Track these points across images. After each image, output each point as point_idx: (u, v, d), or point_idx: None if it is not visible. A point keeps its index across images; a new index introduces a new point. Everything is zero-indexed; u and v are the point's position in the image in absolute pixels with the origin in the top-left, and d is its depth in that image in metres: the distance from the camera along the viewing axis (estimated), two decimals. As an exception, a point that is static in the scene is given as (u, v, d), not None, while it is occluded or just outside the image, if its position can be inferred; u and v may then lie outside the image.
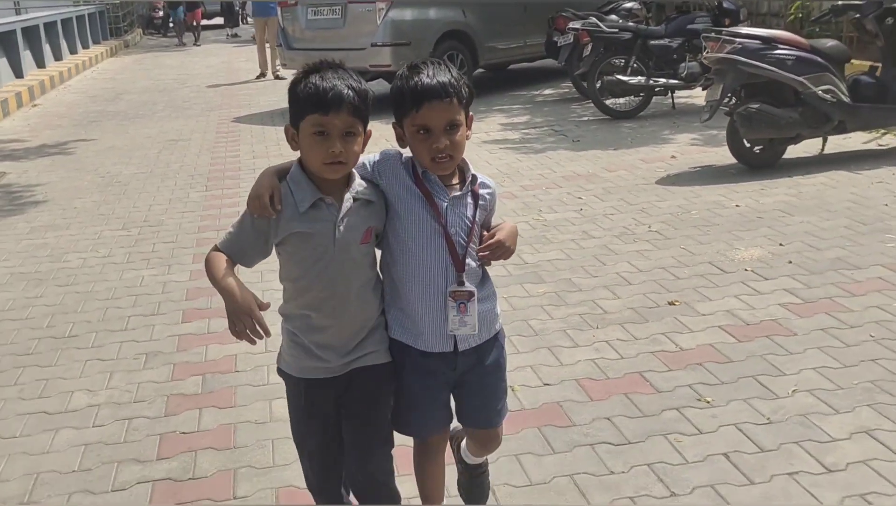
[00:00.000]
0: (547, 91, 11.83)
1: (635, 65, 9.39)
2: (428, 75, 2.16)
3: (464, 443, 2.57)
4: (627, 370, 3.61)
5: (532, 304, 4.37)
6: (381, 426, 2.31)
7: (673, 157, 7.46)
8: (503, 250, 2.27)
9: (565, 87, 11.57)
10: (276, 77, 14.88)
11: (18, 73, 14.63)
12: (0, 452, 3.23)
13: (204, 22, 25.64)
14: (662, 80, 9.32)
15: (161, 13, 27.01)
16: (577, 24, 9.66)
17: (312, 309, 2.19)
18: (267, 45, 15.28)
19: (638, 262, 4.91)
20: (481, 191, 2.29)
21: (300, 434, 2.34)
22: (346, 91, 2.09)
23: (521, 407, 3.32)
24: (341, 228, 2.17)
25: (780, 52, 6.64)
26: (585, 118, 9.60)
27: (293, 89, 2.16)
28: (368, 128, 2.19)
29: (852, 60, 8.54)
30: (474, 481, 2.64)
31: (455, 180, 2.27)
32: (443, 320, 2.24)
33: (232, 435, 3.25)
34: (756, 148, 6.90)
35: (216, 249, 2.18)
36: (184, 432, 3.30)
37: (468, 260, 2.24)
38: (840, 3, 7.38)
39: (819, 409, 3.21)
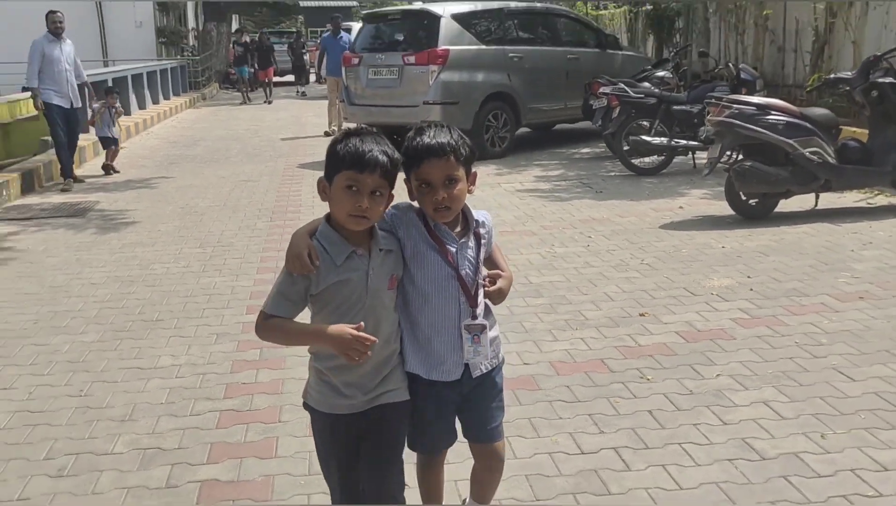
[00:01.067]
0: (584, 150, 12.85)
1: (659, 127, 10.39)
2: (429, 136, 2.44)
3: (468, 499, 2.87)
4: (592, 358, 4.56)
5: (528, 312, 5.33)
6: (399, 456, 2.56)
7: (681, 207, 8.40)
8: (501, 298, 2.54)
9: (601, 147, 12.57)
10: (343, 134, 16.14)
11: (108, 120, 16.15)
12: (106, 390, 4.31)
13: (275, 79, 27.17)
14: (683, 142, 10.28)
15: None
16: (607, 89, 10.71)
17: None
18: (338, 102, 16.60)
19: (624, 285, 5.85)
20: (481, 231, 2.58)
21: (326, 463, 2.55)
22: (380, 156, 2.34)
23: (502, 377, 4.29)
24: (372, 276, 2.41)
25: (773, 117, 7.58)
26: (613, 174, 10.58)
27: (333, 148, 2.39)
28: (393, 191, 2.44)
29: (854, 128, 9.46)
30: None
31: (459, 227, 2.55)
32: (458, 351, 2.51)
33: (281, 386, 4.28)
34: (751, 201, 7.80)
35: (267, 316, 2.40)
36: (244, 383, 4.34)
37: (479, 297, 2.53)
38: (832, 76, 8.32)
39: (733, 386, 4.12)
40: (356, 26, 18.79)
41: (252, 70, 25.78)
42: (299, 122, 18.54)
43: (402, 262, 2.50)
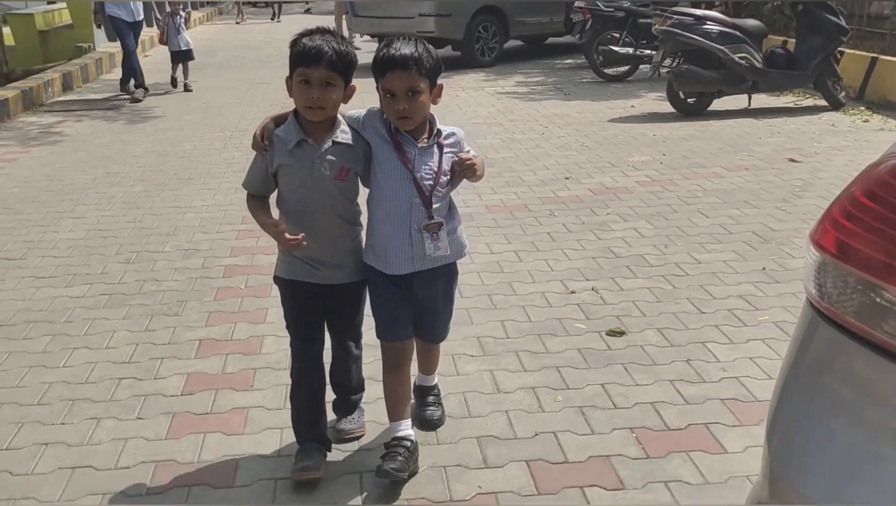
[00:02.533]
0: (567, 60, 14.08)
1: (627, 38, 11.64)
2: (395, 48, 2.61)
3: (415, 376, 3.17)
4: (518, 203, 6.00)
5: (480, 176, 6.76)
6: (356, 327, 2.97)
7: (632, 106, 9.73)
8: (472, 169, 2.75)
9: (581, 58, 13.77)
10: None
11: (133, 30, 17.45)
12: (153, 219, 5.80)
13: None
14: (648, 52, 11.51)
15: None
16: (581, 3, 11.91)
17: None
18: (344, 16, 17.75)
19: (561, 160, 7.26)
20: (446, 142, 2.75)
21: (293, 327, 2.87)
22: (326, 49, 2.59)
23: (447, 213, 5.74)
24: (318, 164, 2.66)
25: (708, 27, 8.85)
26: (585, 80, 11.87)
27: (291, 48, 2.64)
28: (352, 84, 2.70)
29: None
30: (426, 406, 3.14)
31: (425, 135, 2.73)
32: (407, 248, 2.70)
33: (282, 217, 5.76)
34: (689, 100, 9.12)
35: (248, 192, 2.79)
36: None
37: (435, 199, 2.71)
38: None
39: (616, 221, 5.56)
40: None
41: None
42: (310, 36, 19.70)
43: (363, 159, 2.75)
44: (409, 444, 2.83)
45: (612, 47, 11.43)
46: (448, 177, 2.74)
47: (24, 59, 13.99)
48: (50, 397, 3.45)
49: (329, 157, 2.68)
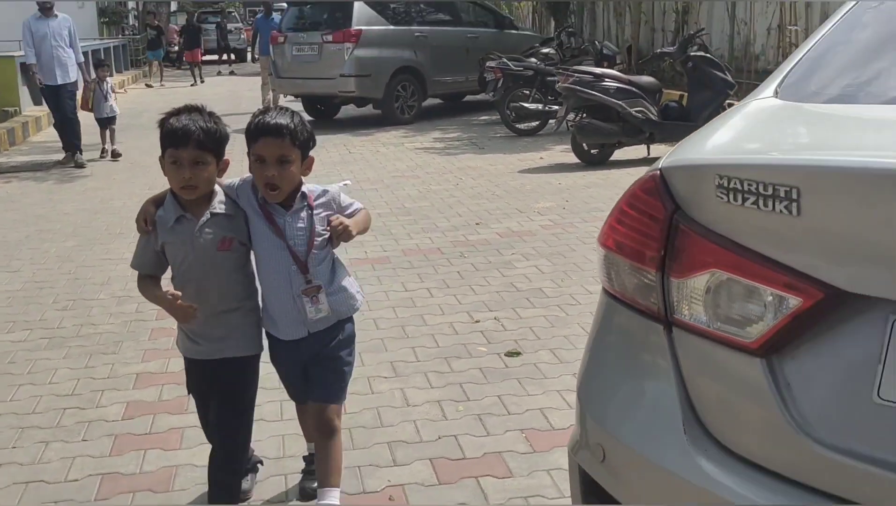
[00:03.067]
0: (483, 117, 14.80)
1: (536, 95, 12.39)
2: (270, 116, 2.65)
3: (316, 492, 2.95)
4: (432, 247, 6.52)
5: (397, 224, 7.27)
6: (242, 413, 2.83)
7: (541, 158, 10.41)
8: (347, 234, 2.71)
9: (496, 115, 14.52)
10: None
11: (57, 94, 17.65)
12: (88, 270, 6.15)
13: (205, 57, 27.78)
14: (556, 107, 12.25)
15: (176, 47, 30.07)
16: (493, 63, 12.65)
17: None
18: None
19: (473, 207, 7.82)
20: (315, 202, 2.76)
21: (194, 398, 2.98)
22: (193, 128, 2.58)
23: (365, 256, 6.22)
24: (199, 237, 2.66)
25: (606, 83, 9.61)
26: (499, 135, 12.56)
27: (160, 129, 2.64)
28: (225, 158, 2.72)
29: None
30: None
31: (294, 201, 2.74)
32: (295, 314, 2.73)
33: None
34: (592, 151, 9.84)
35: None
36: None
37: (311, 263, 2.74)
38: (659, 51, 10.40)
39: (519, 260, 6.10)
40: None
41: (174, 52, 26.86)
42: (235, 97, 20.15)
43: (244, 227, 2.75)
44: None
45: (522, 104, 12.15)
46: (323, 237, 2.76)
47: (-52, 125, 14.11)
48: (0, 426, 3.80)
49: (208, 229, 2.69)
